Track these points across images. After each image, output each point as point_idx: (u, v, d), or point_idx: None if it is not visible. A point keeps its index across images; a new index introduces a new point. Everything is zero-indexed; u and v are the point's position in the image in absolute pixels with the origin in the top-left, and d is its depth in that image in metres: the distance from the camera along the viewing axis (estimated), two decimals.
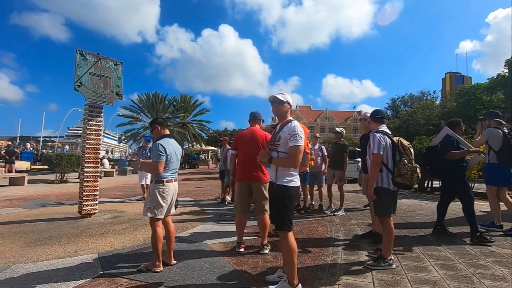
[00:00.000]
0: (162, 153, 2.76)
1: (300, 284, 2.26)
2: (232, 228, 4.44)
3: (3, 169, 12.61)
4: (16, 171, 13.03)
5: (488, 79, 25.30)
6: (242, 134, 3.58)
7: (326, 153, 5.91)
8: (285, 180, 2.28)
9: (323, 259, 3.06)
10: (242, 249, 3.29)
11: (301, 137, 2.25)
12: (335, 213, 4.88)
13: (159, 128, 2.97)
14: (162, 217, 2.80)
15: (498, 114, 4.33)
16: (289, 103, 2.47)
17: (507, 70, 22.12)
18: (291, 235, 2.29)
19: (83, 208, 5.02)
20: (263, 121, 3.66)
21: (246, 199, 3.40)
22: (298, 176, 2.37)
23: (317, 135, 6.25)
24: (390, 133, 2.96)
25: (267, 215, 3.23)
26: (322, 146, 6.06)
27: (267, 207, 3.16)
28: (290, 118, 2.44)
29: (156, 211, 2.75)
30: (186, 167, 28.02)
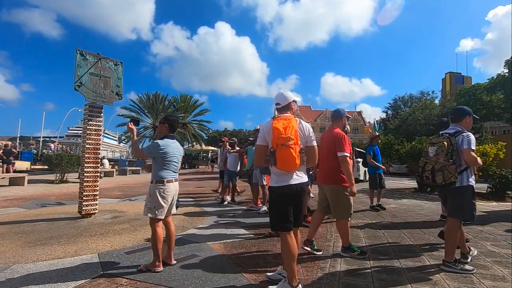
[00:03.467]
0: (152, 152, 2.81)
1: (300, 285, 2.26)
2: (232, 228, 4.45)
3: (0, 169, 12.53)
4: (16, 171, 13.02)
5: (488, 79, 25.32)
6: (323, 133, 3.59)
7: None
8: (272, 181, 2.32)
9: (323, 259, 3.06)
10: (308, 249, 3.26)
11: (260, 136, 2.34)
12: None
13: (167, 127, 2.96)
14: (162, 217, 2.80)
15: (444, 122, 4.81)
16: (277, 103, 2.44)
17: (507, 70, 22.13)
18: (287, 236, 2.23)
19: (83, 208, 5.01)
20: (348, 118, 3.42)
21: (321, 199, 3.41)
22: (283, 177, 2.26)
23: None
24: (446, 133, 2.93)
25: (340, 221, 3.19)
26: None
27: (336, 211, 3.18)
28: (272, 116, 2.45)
29: (156, 212, 2.74)
30: (186, 167, 28.03)
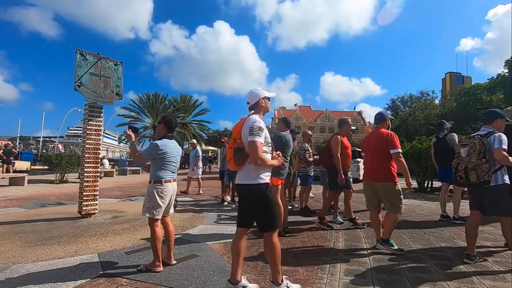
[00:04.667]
0: (152, 155, 2.80)
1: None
2: (232, 228, 4.44)
3: (0, 169, 12.52)
4: (16, 171, 13.01)
5: (488, 79, 25.35)
6: (366, 136, 3.77)
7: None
8: None
9: (323, 259, 3.06)
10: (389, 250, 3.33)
11: None
12: (337, 218, 4.82)
13: (163, 127, 2.97)
14: (160, 217, 2.81)
15: (442, 123, 5.25)
16: (247, 102, 2.41)
17: (507, 70, 22.15)
18: (237, 232, 2.30)
19: (83, 208, 5.02)
20: (390, 120, 3.65)
21: (371, 197, 3.53)
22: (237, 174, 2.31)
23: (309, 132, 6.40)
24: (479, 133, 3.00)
25: (390, 213, 3.31)
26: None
27: (392, 205, 3.29)
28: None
29: (154, 212, 2.75)
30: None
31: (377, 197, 3.47)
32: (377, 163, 3.38)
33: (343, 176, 4.29)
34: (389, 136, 3.32)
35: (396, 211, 3.28)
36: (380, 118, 3.58)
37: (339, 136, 4.44)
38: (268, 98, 2.38)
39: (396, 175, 3.31)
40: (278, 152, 2.34)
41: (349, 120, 4.66)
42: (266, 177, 2.23)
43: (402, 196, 3.30)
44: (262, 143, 2.12)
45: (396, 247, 3.24)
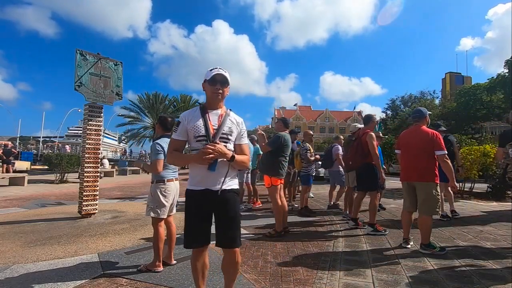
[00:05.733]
0: (160, 151, 2.79)
1: None
2: None
3: (0, 169, 12.50)
4: (16, 171, 13.01)
5: (488, 79, 25.35)
6: (405, 133, 3.66)
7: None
8: (234, 183, 1.94)
9: (323, 259, 3.06)
10: (409, 246, 3.41)
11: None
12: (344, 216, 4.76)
13: (159, 126, 3.03)
14: (165, 216, 2.82)
15: (438, 124, 5.06)
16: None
17: (507, 70, 22.15)
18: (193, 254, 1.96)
19: (83, 208, 5.02)
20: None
21: (408, 197, 3.47)
22: None
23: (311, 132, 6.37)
24: None
25: (425, 217, 3.23)
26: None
27: (425, 207, 3.23)
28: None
29: (159, 211, 2.76)
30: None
31: (416, 199, 3.36)
32: (421, 163, 3.28)
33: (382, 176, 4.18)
34: (435, 137, 3.24)
35: (431, 213, 3.21)
36: (419, 115, 3.46)
37: (372, 132, 4.22)
38: (209, 81, 1.83)
39: (438, 176, 3.25)
40: (209, 145, 1.73)
41: (374, 116, 4.59)
42: (190, 184, 1.89)
43: (440, 198, 3.24)
44: (174, 139, 1.89)
45: (438, 248, 3.19)
